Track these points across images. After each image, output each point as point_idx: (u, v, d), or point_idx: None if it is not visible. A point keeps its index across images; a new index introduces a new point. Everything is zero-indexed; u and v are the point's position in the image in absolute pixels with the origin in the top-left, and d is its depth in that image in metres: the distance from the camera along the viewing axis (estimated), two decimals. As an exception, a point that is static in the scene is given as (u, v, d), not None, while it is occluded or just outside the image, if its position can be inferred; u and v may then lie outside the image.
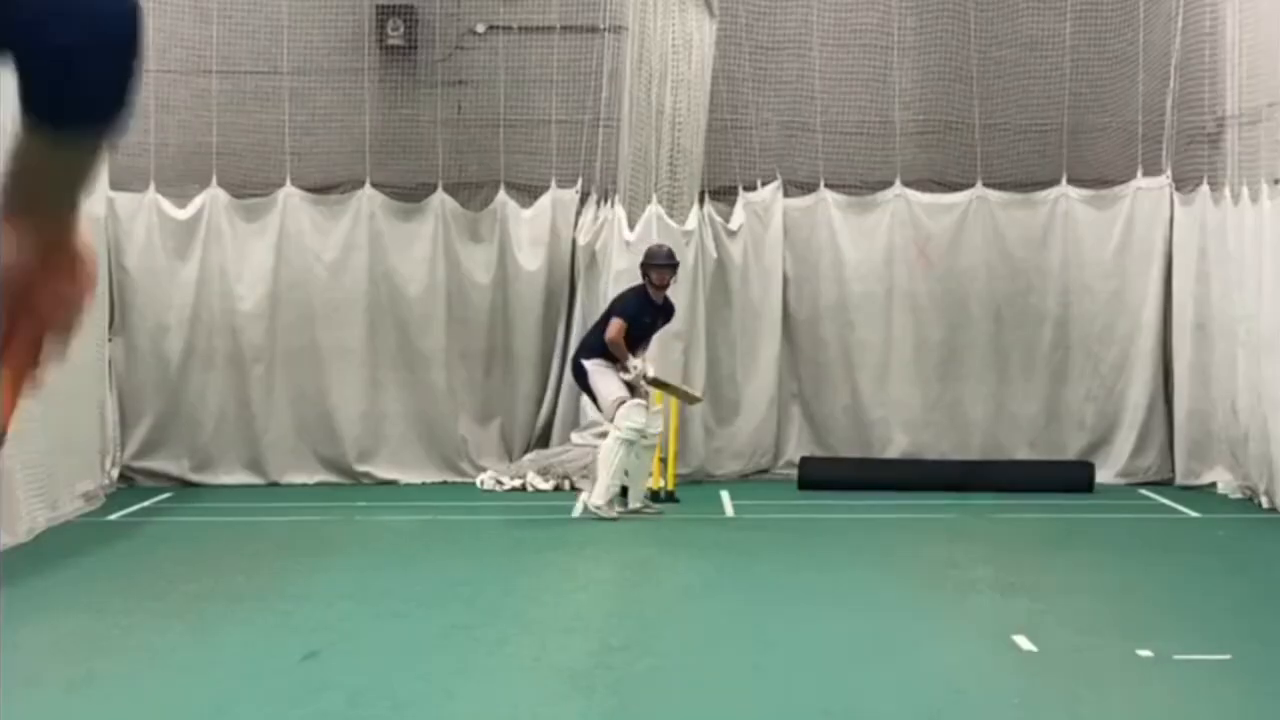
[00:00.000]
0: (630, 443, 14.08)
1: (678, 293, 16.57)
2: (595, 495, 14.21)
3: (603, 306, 16.33)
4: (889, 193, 17.29)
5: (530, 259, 17.15)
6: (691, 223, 16.87)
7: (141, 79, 2.09)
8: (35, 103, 2.01)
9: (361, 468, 16.97)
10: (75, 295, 2.07)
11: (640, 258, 15.08)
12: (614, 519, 14.13)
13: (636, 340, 14.46)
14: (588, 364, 14.45)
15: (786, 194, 17.33)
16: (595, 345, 14.56)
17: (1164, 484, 16.76)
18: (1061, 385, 17.24)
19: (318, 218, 17.09)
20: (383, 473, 16.98)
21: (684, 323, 16.49)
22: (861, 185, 17.36)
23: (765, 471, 17.28)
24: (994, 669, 8.85)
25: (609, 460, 14.15)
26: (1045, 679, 8.59)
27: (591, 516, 14.19)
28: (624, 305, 14.61)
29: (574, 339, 17.00)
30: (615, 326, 14.34)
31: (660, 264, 14.64)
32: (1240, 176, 15.61)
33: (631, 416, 14.09)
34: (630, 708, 8.14)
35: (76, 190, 2.09)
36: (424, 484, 16.86)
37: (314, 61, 17.07)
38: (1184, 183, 16.79)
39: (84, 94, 2.03)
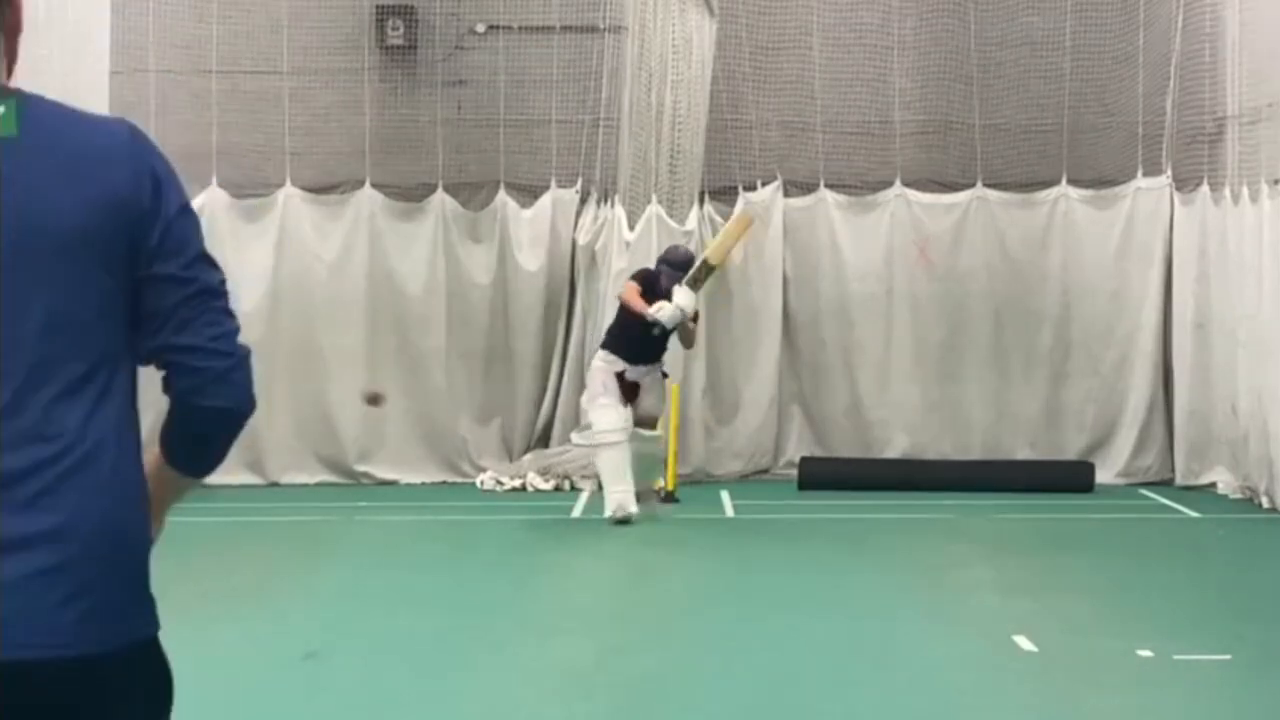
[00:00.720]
0: (613, 444, 13.89)
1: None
2: (606, 507, 13.97)
3: (603, 306, 16.35)
4: (889, 193, 17.29)
5: (530, 259, 17.15)
6: (691, 223, 16.86)
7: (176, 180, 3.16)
8: (175, 458, 3.27)
9: (361, 468, 16.97)
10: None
11: (658, 251, 14.78)
12: (648, 515, 13.95)
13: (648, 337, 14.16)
14: (596, 357, 14.31)
15: (786, 194, 17.32)
16: (604, 338, 14.42)
17: (1164, 484, 16.76)
18: (1061, 385, 17.24)
19: (318, 218, 17.09)
20: (383, 473, 16.97)
21: (684, 323, 16.51)
22: (861, 185, 17.36)
23: (765, 471, 17.27)
24: (994, 669, 8.85)
25: (603, 469, 14.05)
26: (1045, 679, 8.59)
27: (608, 520, 13.90)
28: (638, 274, 14.35)
29: (574, 339, 17.02)
30: (628, 289, 14.05)
31: (674, 268, 14.24)
32: (1240, 176, 15.61)
33: (599, 419, 13.97)
34: (630, 708, 8.14)
35: (181, 497, 3.35)
36: (424, 484, 16.86)
37: (314, 61, 17.06)
38: (1184, 183, 16.79)
39: (208, 460, 3.25)
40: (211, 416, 3.17)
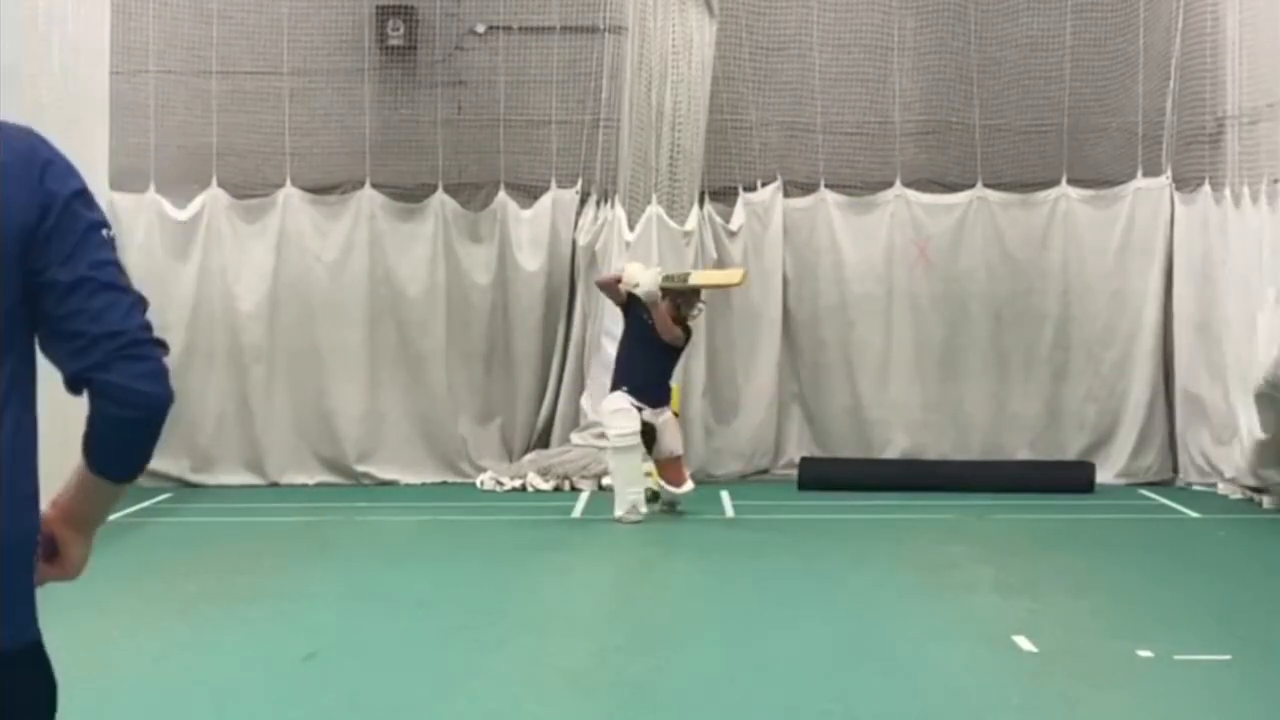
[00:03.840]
0: (628, 449, 14.08)
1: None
2: (616, 508, 14.19)
3: (602, 306, 16.34)
4: (889, 193, 17.30)
5: (530, 259, 17.15)
6: (691, 223, 16.87)
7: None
8: (95, 462, 3.13)
9: (361, 468, 16.98)
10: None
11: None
12: (639, 519, 14.12)
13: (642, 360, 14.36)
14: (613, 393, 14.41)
15: (786, 194, 17.33)
16: (617, 376, 14.45)
17: (1164, 484, 16.77)
18: (1062, 385, 17.25)
19: (318, 218, 17.10)
20: (383, 473, 16.98)
21: (684, 323, 16.49)
22: (861, 186, 17.36)
23: (765, 472, 17.27)
24: (994, 669, 8.85)
25: (616, 472, 14.24)
26: (1045, 679, 8.59)
27: (614, 521, 14.08)
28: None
29: (574, 339, 17.02)
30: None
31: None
32: (1241, 176, 15.61)
33: (617, 423, 14.11)
34: (630, 708, 8.14)
35: (107, 512, 3.29)
36: (424, 484, 16.87)
37: (314, 61, 17.07)
38: (1184, 183, 16.80)
39: (127, 461, 3.15)
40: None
